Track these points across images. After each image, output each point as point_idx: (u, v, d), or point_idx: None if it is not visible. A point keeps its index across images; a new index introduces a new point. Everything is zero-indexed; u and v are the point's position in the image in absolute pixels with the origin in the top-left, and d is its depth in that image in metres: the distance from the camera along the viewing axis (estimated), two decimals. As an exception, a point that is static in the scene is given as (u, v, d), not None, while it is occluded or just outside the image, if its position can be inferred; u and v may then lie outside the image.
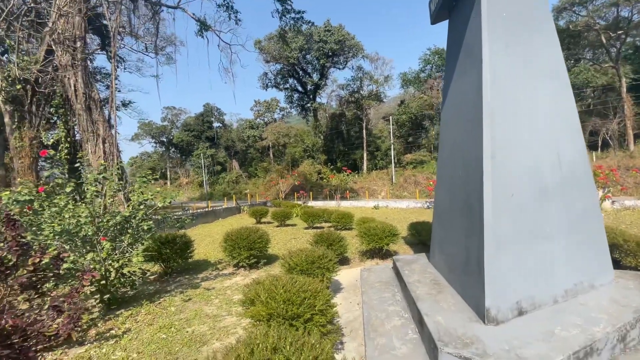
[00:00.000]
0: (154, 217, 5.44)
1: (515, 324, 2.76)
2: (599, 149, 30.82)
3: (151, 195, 5.20)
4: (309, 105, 45.83)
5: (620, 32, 29.09)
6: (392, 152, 37.68)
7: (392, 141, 38.42)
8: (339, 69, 44.37)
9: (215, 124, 65.56)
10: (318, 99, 47.31)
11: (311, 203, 23.46)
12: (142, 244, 5.01)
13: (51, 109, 13.32)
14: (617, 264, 5.13)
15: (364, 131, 42.30)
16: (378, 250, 6.70)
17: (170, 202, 5.32)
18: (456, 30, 4.22)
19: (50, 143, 13.03)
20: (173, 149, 66.84)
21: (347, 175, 34.70)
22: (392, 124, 40.02)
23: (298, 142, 51.03)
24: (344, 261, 6.81)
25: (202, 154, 57.59)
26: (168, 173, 66.96)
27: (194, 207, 21.85)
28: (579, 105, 34.16)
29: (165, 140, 66.22)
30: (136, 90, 69.18)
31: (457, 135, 3.93)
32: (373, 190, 36.14)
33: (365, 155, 42.98)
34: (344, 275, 5.86)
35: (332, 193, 23.73)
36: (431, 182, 18.98)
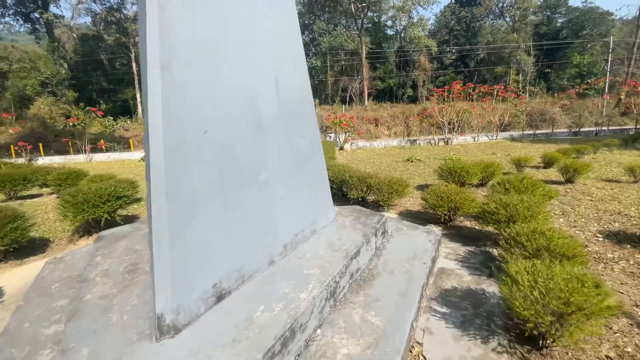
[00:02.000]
0: None
1: (206, 321, 1.89)
2: (347, 104, 39.28)
3: None
4: (37, 15, 31.17)
5: (364, 4, 36.21)
6: (173, 95, 32.79)
7: (171, 81, 33.11)
8: (84, -31, 32.15)
9: None
10: (55, 9, 33.14)
11: (48, 159, 16.57)
12: None
13: None
14: (344, 197, 5.74)
15: (133, 64, 34.03)
16: (96, 223, 4.68)
17: None
18: None
19: None
20: None
21: (110, 119, 27.53)
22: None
23: (30, 70, 34.61)
24: (37, 248, 4.40)
25: None
26: None
27: None
28: (336, 65, 41.56)
29: None
30: None
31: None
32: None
33: (138, 95, 35.25)
34: (22, 274, 3.64)
35: (81, 146, 17.69)
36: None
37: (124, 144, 24.44)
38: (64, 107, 32.52)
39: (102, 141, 18.75)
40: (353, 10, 37.01)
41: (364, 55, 37.37)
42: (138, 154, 16.60)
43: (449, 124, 18.61)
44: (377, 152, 15.43)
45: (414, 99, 39.30)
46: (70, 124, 19.60)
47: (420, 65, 38.95)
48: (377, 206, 5.33)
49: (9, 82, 35.17)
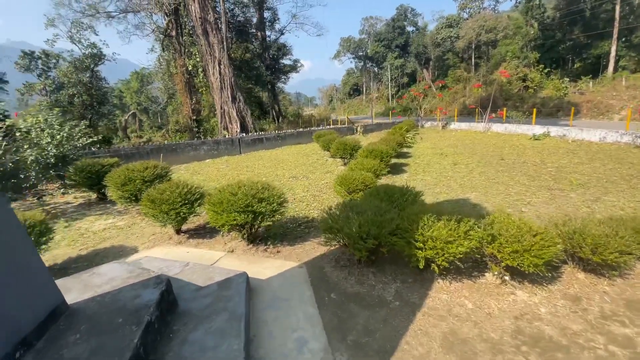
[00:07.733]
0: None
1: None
2: None
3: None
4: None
5: None
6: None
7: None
8: None
9: (409, 28, 58.50)
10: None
11: (457, 125, 17.71)
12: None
13: (183, 38, 16.03)
14: None
15: (617, 7, 25.19)
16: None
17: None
18: None
19: (190, 68, 16.09)
20: (370, 63, 66.69)
21: (565, 81, 23.73)
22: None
23: (512, 37, 36.74)
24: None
25: (388, 66, 54.70)
26: (364, 88, 69.45)
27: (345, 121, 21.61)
28: None
29: (362, 54, 66.60)
30: (315, 5, 69.54)
31: None
32: (608, 107, 23.10)
33: (614, 48, 26.47)
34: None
35: (525, 110, 16.72)
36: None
37: (566, 111, 20.19)
38: (522, 70, 32.10)
39: (499, 110, 16.66)
40: None
41: None
42: (538, 129, 12.92)
43: None
44: None
45: None
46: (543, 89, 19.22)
47: None
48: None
49: (497, 49, 39.52)
